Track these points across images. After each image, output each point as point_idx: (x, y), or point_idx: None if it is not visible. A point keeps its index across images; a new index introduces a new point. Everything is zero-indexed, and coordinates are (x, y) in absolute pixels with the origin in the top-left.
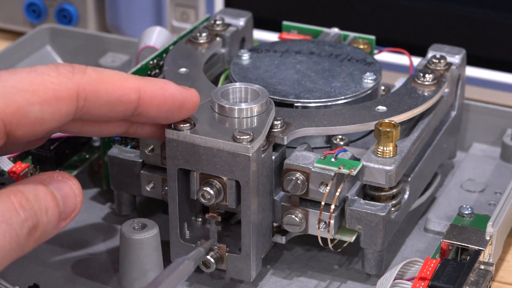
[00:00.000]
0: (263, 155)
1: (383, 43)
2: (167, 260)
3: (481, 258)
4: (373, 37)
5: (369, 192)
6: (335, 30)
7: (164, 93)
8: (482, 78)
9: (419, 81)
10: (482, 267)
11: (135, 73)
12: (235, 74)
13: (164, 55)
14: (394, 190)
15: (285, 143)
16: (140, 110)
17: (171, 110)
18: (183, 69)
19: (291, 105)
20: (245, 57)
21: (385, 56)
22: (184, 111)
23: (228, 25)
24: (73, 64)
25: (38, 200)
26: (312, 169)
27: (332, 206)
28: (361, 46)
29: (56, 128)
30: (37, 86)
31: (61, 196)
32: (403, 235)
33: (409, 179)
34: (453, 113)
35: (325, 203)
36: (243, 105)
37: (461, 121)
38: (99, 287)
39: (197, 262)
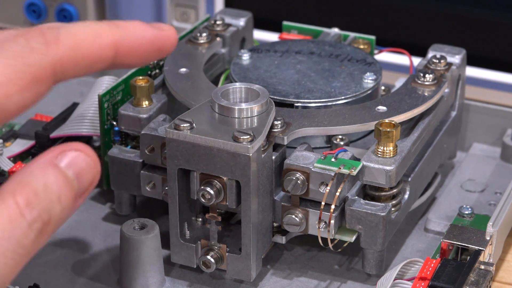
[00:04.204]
0: (263, 155)
1: (383, 43)
2: (167, 260)
3: (481, 258)
4: (373, 37)
5: (369, 192)
6: (335, 30)
7: (141, 42)
8: (482, 78)
9: (419, 81)
10: (482, 267)
11: (135, 73)
12: (235, 74)
13: None
14: (394, 190)
15: (285, 143)
16: (118, 61)
17: (149, 55)
18: (183, 69)
19: (291, 105)
20: (245, 57)
21: (385, 56)
22: (163, 53)
23: (228, 25)
24: (43, 30)
25: (48, 190)
26: (312, 169)
27: (332, 206)
28: (361, 46)
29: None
30: (13, 75)
31: (75, 173)
32: (403, 235)
33: (409, 179)
34: (453, 113)
35: (325, 203)
36: (243, 105)
37: (461, 121)
38: (99, 287)
39: None
